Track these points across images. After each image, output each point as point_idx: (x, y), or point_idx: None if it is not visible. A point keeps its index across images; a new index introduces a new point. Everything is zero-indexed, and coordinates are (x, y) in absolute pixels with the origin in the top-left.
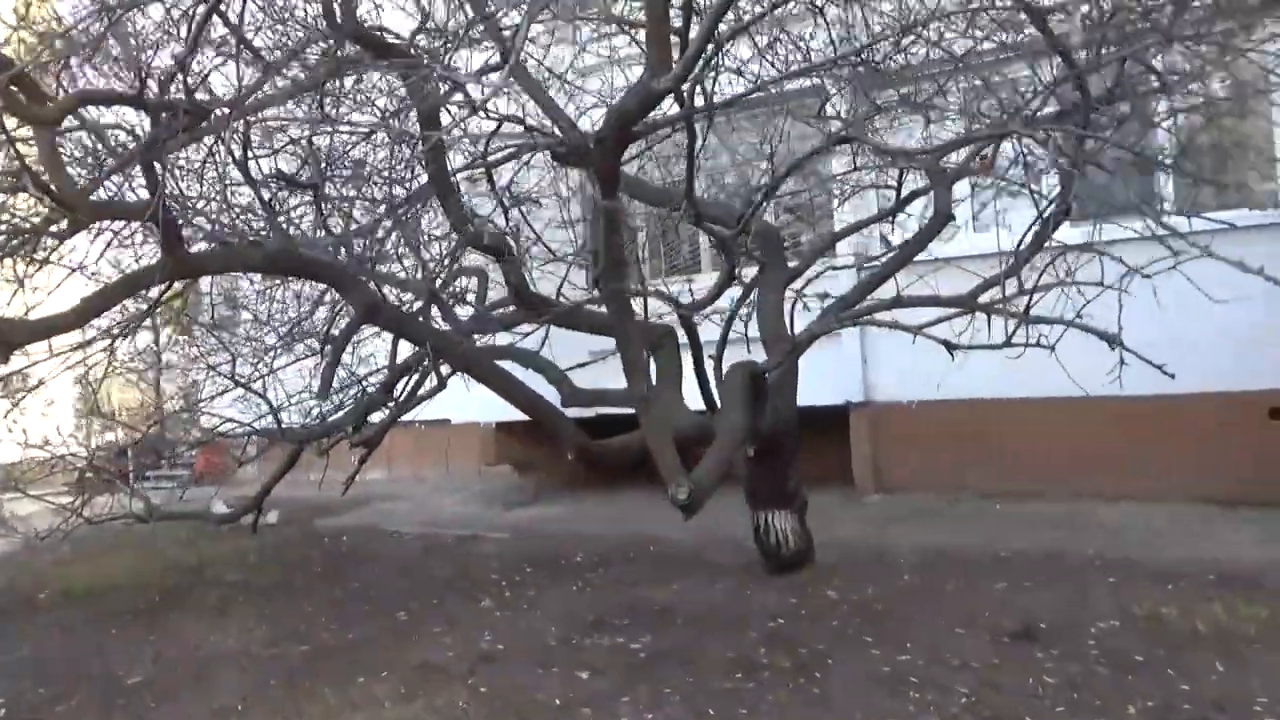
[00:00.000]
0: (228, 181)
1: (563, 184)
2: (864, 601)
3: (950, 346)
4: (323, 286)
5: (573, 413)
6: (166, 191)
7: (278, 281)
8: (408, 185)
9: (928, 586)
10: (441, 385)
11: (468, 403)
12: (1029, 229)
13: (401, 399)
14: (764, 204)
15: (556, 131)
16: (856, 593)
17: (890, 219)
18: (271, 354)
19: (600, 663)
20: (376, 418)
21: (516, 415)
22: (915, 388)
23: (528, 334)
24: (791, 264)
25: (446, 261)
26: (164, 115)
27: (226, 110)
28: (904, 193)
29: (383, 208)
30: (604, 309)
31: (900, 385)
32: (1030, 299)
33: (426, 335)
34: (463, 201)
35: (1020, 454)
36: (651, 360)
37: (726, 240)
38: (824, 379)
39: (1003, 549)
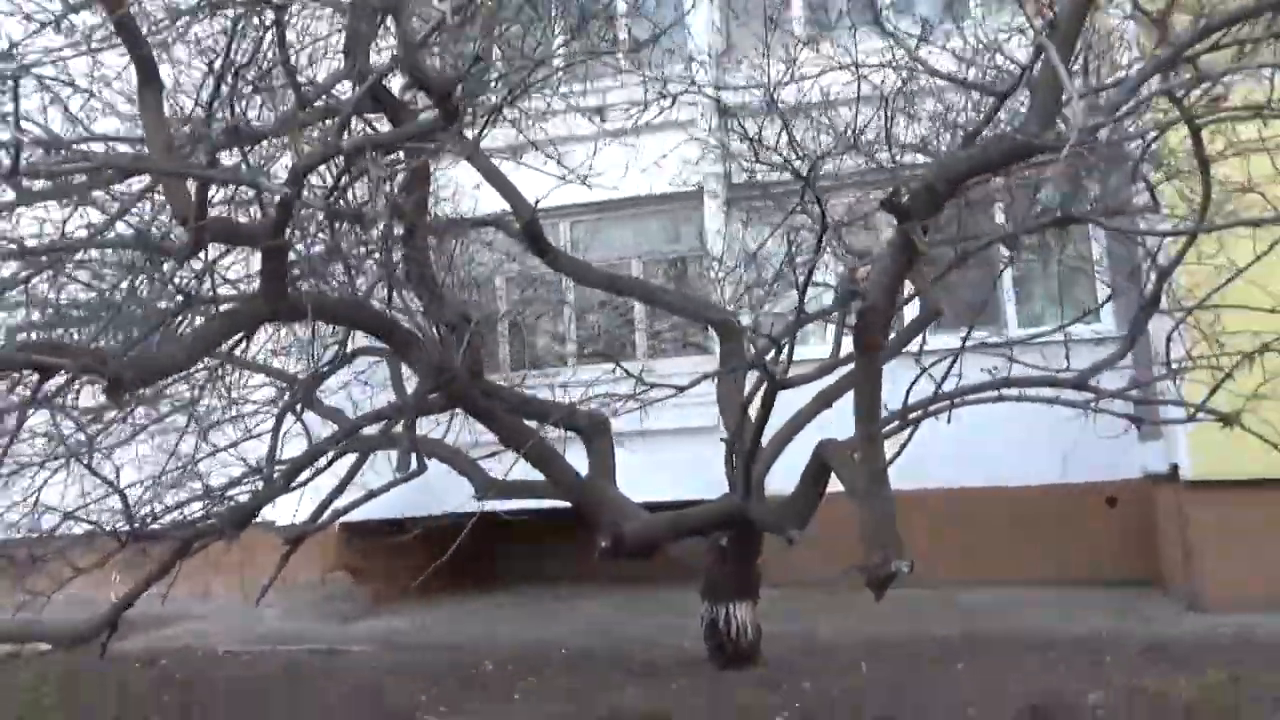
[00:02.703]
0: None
1: None
2: (849, 694)
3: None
4: None
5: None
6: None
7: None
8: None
9: (899, 676)
10: (422, 469)
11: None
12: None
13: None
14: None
15: None
16: (833, 686)
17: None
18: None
19: None
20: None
21: (362, 516)
22: None
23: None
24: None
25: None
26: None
27: None
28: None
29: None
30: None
31: None
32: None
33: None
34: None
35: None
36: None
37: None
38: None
39: (925, 635)
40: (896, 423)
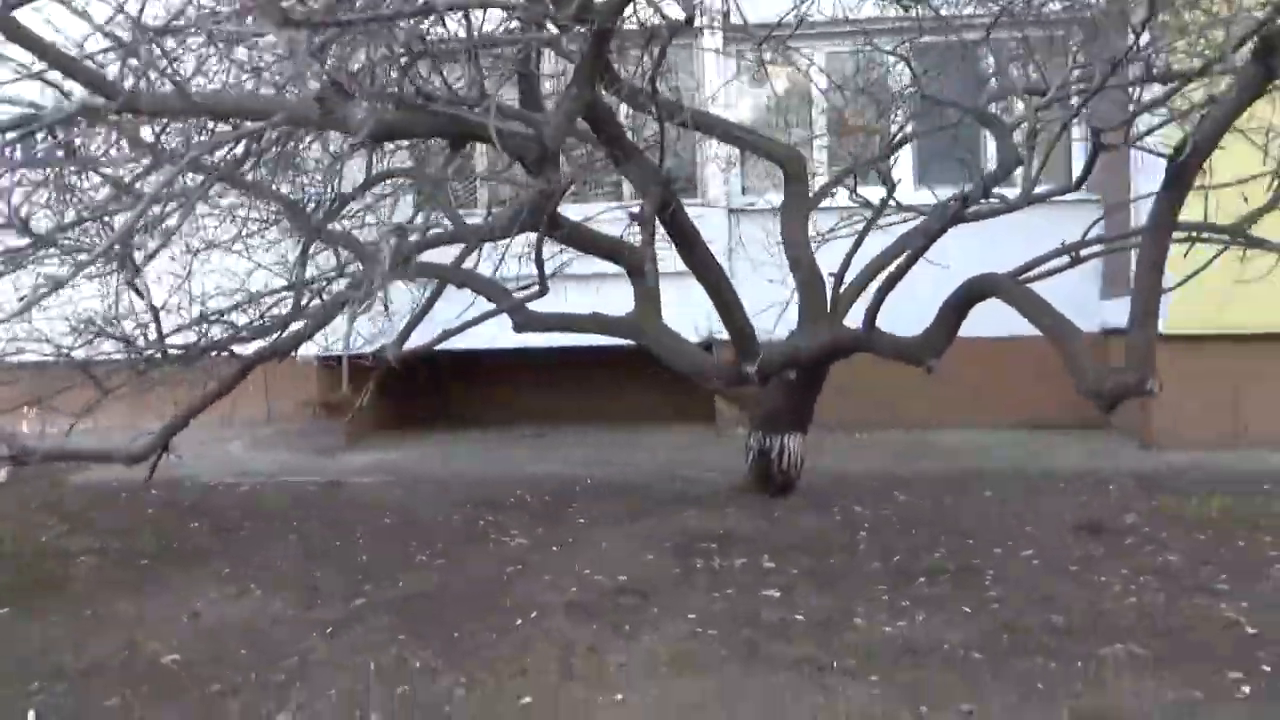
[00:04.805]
0: None
1: None
2: (903, 516)
3: None
4: None
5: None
6: None
7: None
8: None
9: (936, 503)
10: (543, 290)
11: None
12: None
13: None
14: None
15: None
16: (880, 510)
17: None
18: None
19: (773, 582)
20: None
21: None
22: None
23: None
24: None
25: None
26: None
27: None
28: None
29: None
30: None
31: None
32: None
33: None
34: None
35: (871, 390)
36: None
37: None
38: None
39: (930, 472)
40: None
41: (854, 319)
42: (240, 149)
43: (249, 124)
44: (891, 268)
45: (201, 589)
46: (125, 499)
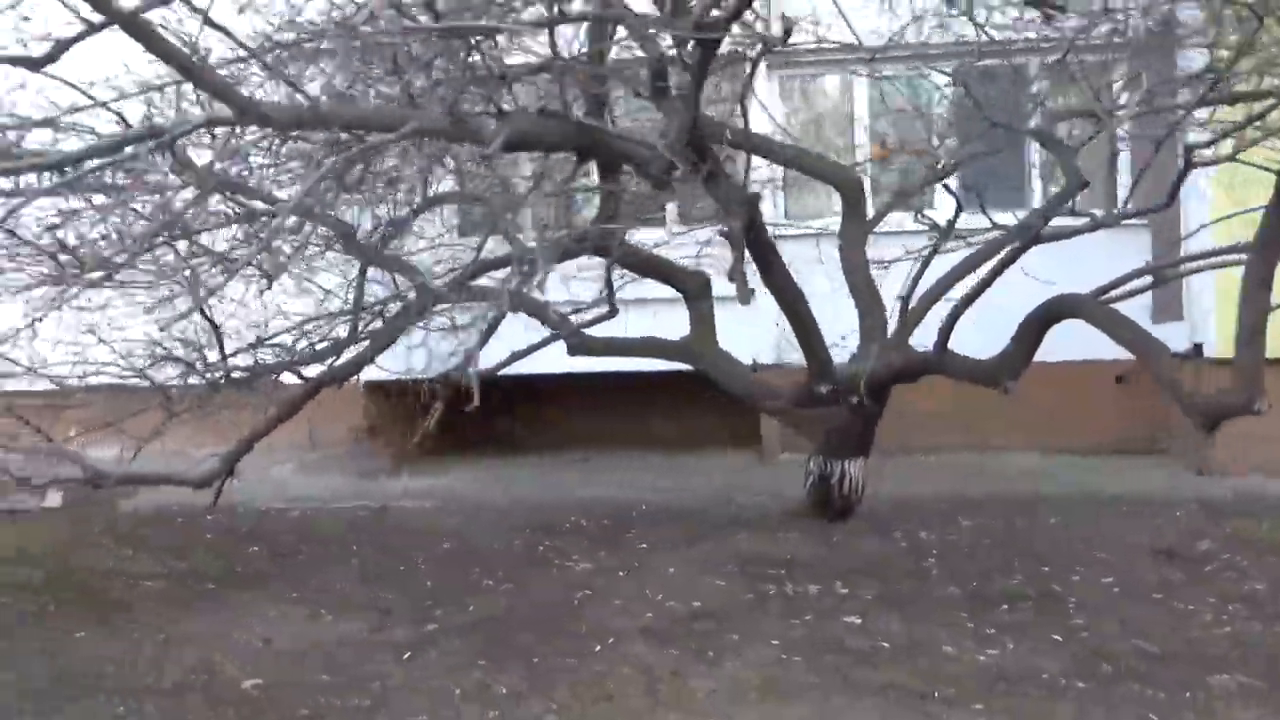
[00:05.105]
0: None
1: None
2: (970, 543)
3: None
4: None
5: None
6: None
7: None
8: None
9: (1003, 528)
10: (613, 312)
11: None
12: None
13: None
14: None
15: None
16: (945, 536)
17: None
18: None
19: (849, 608)
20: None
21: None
22: None
23: None
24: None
25: None
26: None
27: None
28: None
29: None
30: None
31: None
32: None
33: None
34: None
35: (923, 413)
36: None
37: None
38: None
39: (989, 495)
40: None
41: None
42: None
43: (372, 136)
44: (960, 289)
45: (268, 612)
46: (181, 523)
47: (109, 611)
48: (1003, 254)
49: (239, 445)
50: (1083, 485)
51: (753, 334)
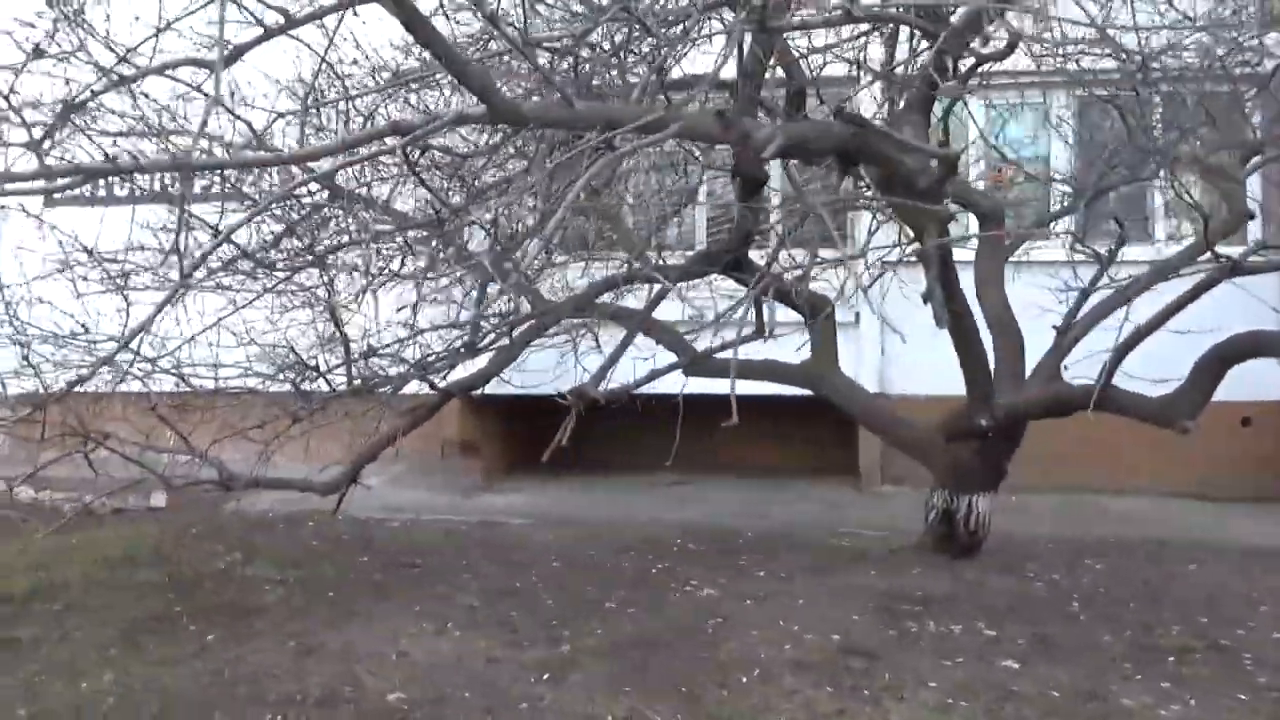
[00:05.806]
0: None
1: None
2: (1107, 584)
3: None
4: None
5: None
6: None
7: None
8: None
9: (1133, 571)
10: (762, 333)
11: None
12: None
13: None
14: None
15: None
16: (1078, 575)
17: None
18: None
19: (1004, 651)
20: None
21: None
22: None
23: None
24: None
25: None
26: None
27: None
28: None
29: None
30: None
31: (908, 379)
32: None
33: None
34: None
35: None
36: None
37: None
38: None
39: (1109, 537)
40: None
41: None
42: None
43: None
44: (1113, 321)
45: (396, 623)
46: (283, 529)
47: (235, 617)
48: (1192, 287)
49: (363, 454)
50: (1203, 531)
51: (852, 361)
